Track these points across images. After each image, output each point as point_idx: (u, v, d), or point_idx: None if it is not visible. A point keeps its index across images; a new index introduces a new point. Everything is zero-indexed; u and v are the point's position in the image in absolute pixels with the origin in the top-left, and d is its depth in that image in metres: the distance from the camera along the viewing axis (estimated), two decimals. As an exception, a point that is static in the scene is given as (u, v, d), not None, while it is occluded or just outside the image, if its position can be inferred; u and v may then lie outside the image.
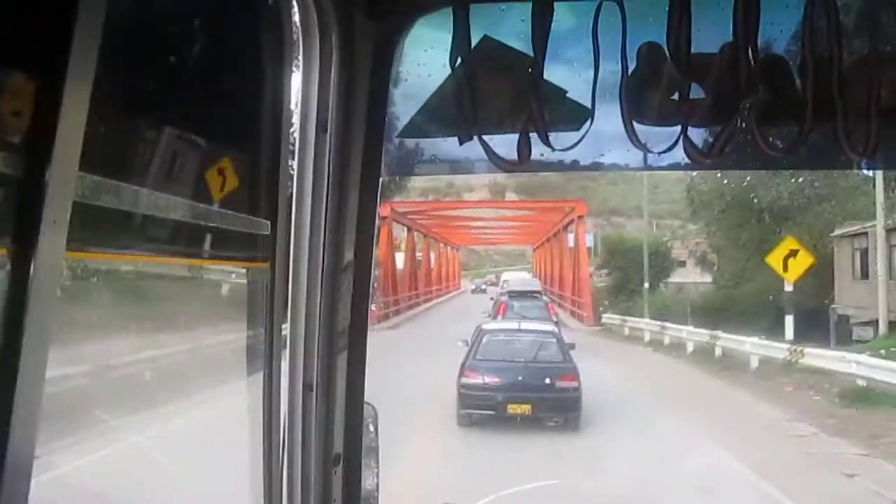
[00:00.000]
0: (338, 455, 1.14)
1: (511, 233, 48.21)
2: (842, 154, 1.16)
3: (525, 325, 11.40)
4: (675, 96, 1.15)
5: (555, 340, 10.34)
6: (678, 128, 1.15)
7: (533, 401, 9.23)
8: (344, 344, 1.12)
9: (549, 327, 11.75)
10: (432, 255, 39.92)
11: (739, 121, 1.16)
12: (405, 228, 31.31)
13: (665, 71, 1.14)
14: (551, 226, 32.96)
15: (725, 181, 22.50)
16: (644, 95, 1.14)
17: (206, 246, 0.83)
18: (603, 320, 23.99)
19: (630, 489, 6.14)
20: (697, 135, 1.17)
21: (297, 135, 1.01)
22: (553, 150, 1.13)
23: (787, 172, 20.62)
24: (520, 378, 9.47)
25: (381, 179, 1.13)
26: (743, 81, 1.14)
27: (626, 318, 22.54)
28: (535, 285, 22.19)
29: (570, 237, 28.50)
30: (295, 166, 1.00)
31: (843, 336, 17.77)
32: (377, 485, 1.33)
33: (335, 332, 1.10)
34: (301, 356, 1.07)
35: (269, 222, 0.95)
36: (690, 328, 17.82)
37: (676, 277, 27.95)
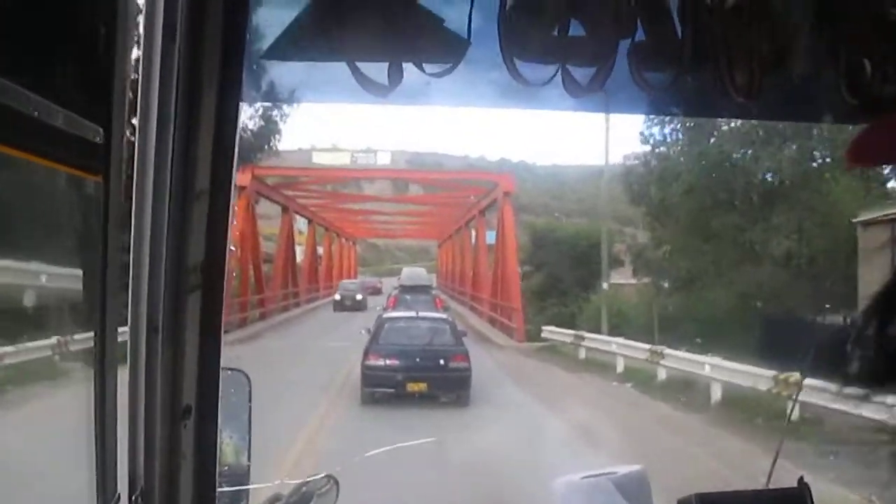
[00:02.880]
0: (188, 407, 1.30)
1: (415, 226, 49.64)
2: (725, 100, 1.47)
3: (422, 314, 15.27)
4: (556, 32, 1.41)
5: (448, 327, 14.36)
6: (557, 66, 1.41)
7: (428, 380, 12.73)
8: (196, 283, 1.28)
9: (443, 315, 16.31)
10: (320, 248, 39.74)
11: (619, 61, 1.44)
12: (281, 210, 30.71)
13: (546, 4, 1.40)
14: (463, 213, 33.72)
15: (682, 159, 22.75)
16: (523, 29, 1.39)
17: (19, 136, 0.92)
18: (543, 335, 21.44)
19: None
20: (578, 74, 1.44)
21: (141, 39, 1.15)
22: (428, 79, 1.36)
23: (780, 140, 20.47)
24: (417, 360, 13.00)
25: (240, 104, 1.31)
26: (622, 20, 1.42)
27: (582, 333, 19.61)
28: (426, 280, 27.72)
29: (489, 234, 28.46)
30: (139, 73, 1.14)
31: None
32: (248, 455, 1.52)
33: (185, 268, 1.26)
34: (145, 294, 1.22)
35: (100, 129, 1.08)
36: (717, 360, 13.27)
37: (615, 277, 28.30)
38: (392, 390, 12.55)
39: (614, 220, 25.81)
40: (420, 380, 12.73)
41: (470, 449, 7.77)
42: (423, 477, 6.68)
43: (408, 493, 5.98)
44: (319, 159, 39.53)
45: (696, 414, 12.00)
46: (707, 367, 13.34)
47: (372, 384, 12.67)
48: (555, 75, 1.38)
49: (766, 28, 1.51)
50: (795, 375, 10.57)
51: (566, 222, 34.19)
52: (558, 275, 26.78)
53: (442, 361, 12.96)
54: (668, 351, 15.02)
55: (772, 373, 11.43)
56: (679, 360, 14.52)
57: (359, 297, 31.51)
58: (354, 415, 12.11)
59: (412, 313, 15.34)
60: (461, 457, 7.65)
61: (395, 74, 1.32)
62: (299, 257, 34.00)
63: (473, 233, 31.87)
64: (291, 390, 11.36)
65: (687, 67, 1.43)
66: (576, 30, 1.44)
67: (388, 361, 12.88)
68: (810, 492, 1.46)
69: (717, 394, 12.98)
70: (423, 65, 1.34)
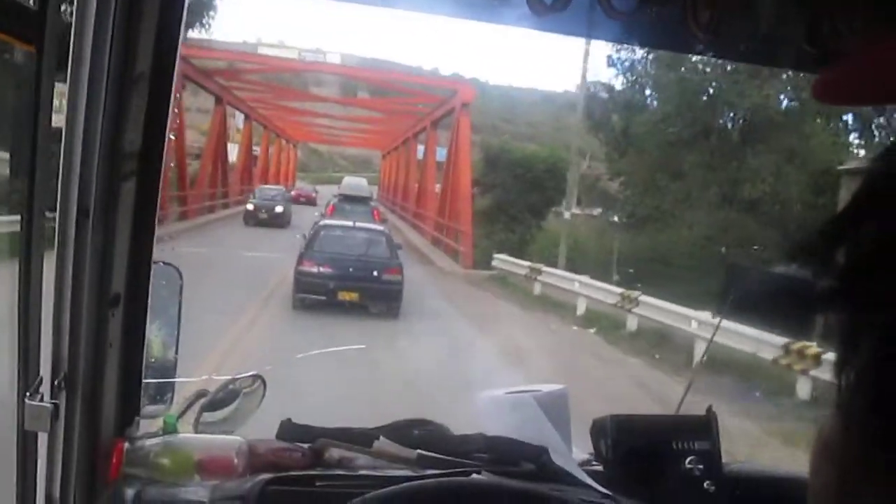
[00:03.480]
0: (117, 295, 1.35)
1: (361, 134, 49.03)
2: (689, 35, 1.54)
3: (359, 224, 15.82)
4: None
5: (384, 239, 14.89)
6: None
7: (360, 290, 13.35)
8: (131, 169, 1.31)
9: (380, 227, 16.77)
10: (257, 148, 39.01)
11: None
12: (214, 100, 29.72)
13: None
14: (413, 123, 33.32)
15: (651, 88, 22.50)
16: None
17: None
18: (494, 263, 20.68)
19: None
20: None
21: None
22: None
23: (767, 74, 19.72)
24: (350, 269, 13.55)
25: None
26: None
27: (539, 266, 18.46)
28: (366, 191, 28.44)
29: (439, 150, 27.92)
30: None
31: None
32: (176, 349, 1.59)
33: (121, 152, 1.29)
34: (77, 176, 1.24)
35: None
36: (708, 316, 11.22)
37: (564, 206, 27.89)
38: (323, 297, 13.09)
39: (566, 149, 25.46)
40: (352, 289, 13.33)
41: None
42: (350, 384, 7.01)
43: (332, 396, 6.29)
44: (265, 53, 38.44)
45: (677, 376, 10.48)
46: (694, 324, 11.72)
47: (304, 290, 13.22)
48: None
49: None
50: (813, 347, 9.74)
51: (519, 145, 34.04)
52: (509, 199, 26.16)
53: (375, 273, 13.60)
54: (644, 298, 13.66)
55: (781, 341, 9.98)
56: (657, 310, 13.19)
57: (279, 208, 25.95)
58: (285, 320, 12.26)
59: (349, 223, 15.88)
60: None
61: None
62: (233, 156, 33.21)
63: (422, 147, 31.63)
64: (214, 296, 10.41)
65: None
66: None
67: (321, 269, 13.41)
68: (717, 419, 1.64)
69: (697, 352, 11.37)
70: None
